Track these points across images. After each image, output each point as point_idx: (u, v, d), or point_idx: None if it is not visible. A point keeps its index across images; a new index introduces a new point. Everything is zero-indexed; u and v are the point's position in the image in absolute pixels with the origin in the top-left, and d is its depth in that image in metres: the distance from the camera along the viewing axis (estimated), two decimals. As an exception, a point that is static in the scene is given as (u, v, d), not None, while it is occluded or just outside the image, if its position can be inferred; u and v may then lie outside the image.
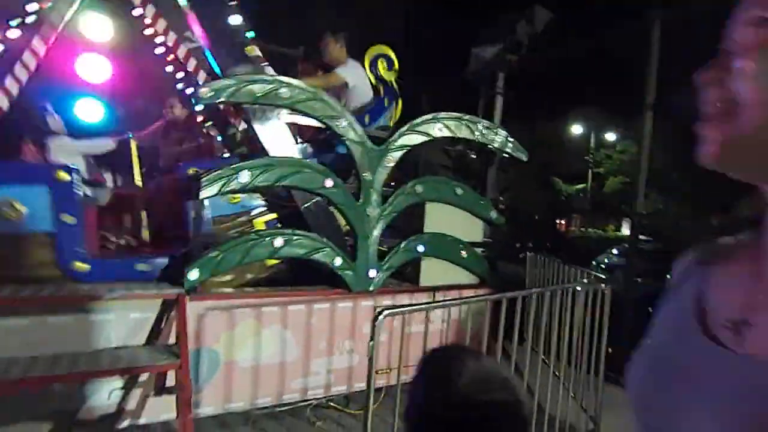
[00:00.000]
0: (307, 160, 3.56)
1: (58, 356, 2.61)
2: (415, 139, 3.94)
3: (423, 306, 2.78)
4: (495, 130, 4.32)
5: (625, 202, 22.84)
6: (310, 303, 3.53)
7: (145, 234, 3.93)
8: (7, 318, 2.63)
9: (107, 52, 3.88)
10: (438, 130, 4.03)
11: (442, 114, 4.04)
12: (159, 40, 3.96)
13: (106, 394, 2.83)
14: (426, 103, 4.85)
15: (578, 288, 3.46)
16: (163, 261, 3.31)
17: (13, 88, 3.15)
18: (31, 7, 3.03)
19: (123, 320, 2.91)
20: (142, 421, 2.94)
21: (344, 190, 3.60)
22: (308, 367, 3.55)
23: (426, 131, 3.97)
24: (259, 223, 3.58)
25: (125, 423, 2.90)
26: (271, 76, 3.26)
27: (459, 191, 4.23)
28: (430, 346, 2.60)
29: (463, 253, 4.29)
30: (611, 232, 19.78)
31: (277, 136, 3.51)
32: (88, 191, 3.53)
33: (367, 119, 4.31)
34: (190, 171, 3.47)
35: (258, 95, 3.18)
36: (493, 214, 4.54)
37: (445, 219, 4.21)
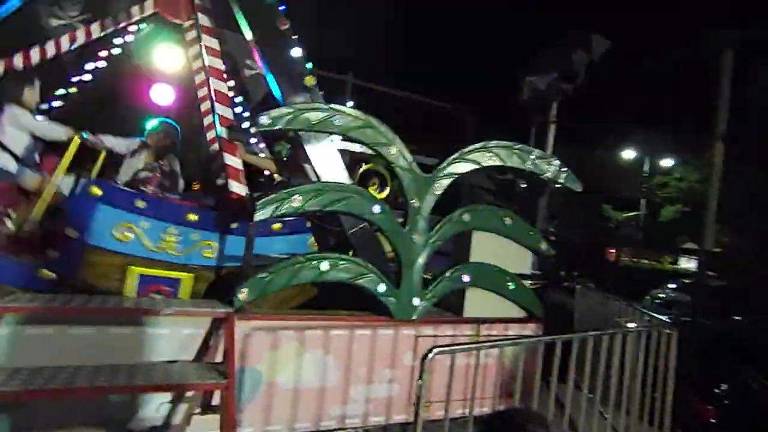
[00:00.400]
0: (357, 186, 3.60)
1: (116, 367, 2.74)
2: (464, 167, 3.92)
3: (474, 345, 2.72)
4: (548, 160, 4.21)
5: (681, 233, 21.57)
6: (352, 328, 3.53)
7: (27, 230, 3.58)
8: (76, 326, 2.79)
9: (174, 80, 4.14)
10: (488, 159, 3.98)
11: (493, 142, 4.00)
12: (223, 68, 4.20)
13: (155, 406, 2.93)
14: (475, 131, 4.81)
15: (640, 330, 3.26)
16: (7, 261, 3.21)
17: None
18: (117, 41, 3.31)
19: (176, 335, 3.03)
20: (186, 436, 3.01)
21: (391, 216, 3.61)
22: (347, 394, 3.53)
23: (475, 160, 3.94)
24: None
25: (171, 437, 2.98)
26: (326, 105, 3.36)
27: (508, 221, 4.14)
28: (478, 383, 2.52)
29: (510, 285, 4.17)
30: (666, 265, 18.67)
31: (328, 162, 3.59)
32: (9, 165, 3.56)
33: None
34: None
35: (313, 123, 3.28)
36: (543, 245, 4.40)
37: (492, 249, 4.12)
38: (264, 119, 3.12)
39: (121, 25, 4.02)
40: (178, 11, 4.06)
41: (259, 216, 3.13)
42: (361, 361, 3.57)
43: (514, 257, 4.27)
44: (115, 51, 4.39)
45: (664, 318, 4.06)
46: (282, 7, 3.46)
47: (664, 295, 12.17)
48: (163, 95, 4.18)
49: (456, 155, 3.86)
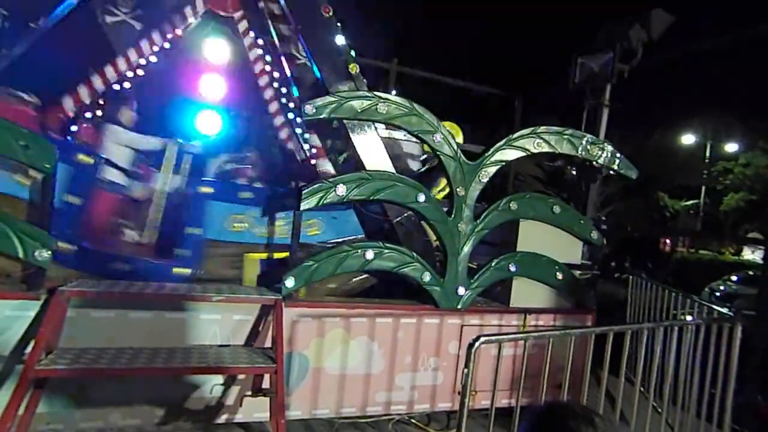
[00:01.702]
0: (401, 175, 3.56)
1: (173, 350, 2.87)
2: (512, 154, 3.79)
3: (521, 335, 2.64)
4: (601, 146, 4.01)
5: (746, 222, 20.08)
6: (398, 317, 3.53)
7: (149, 235, 3.90)
8: (134, 311, 2.94)
9: (224, 72, 4.23)
10: (536, 146, 3.83)
11: (542, 128, 3.84)
12: (267, 58, 4.25)
13: (209, 387, 3.05)
14: (526, 113, 4.64)
15: (699, 322, 3.07)
16: (147, 265, 3.39)
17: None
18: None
19: (228, 320, 3.13)
20: (238, 418, 3.13)
21: (436, 204, 3.56)
22: (392, 381, 3.54)
23: (523, 146, 3.80)
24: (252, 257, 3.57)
25: (223, 418, 3.10)
26: (371, 92, 3.33)
27: (557, 209, 3.98)
28: (524, 374, 2.45)
29: (559, 275, 4.03)
30: (729, 256, 17.47)
31: (372, 150, 3.57)
32: (119, 179, 3.77)
33: None
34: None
35: (358, 111, 3.27)
36: (594, 235, 4.21)
37: (540, 238, 3.99)
38: (309, 108, 3.14)
39: (178, 29, 4.14)
40: (226, 4, 4.12)
41: (305, 205, 3.16)
42: (407, 349, 3.57)
43: (563, 246, 4.11)
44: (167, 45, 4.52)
45: (724, 310, 3.80)
46: (325, -5, 3.44)
47: (724, 288, 11.44)
48: (214, 87, 4.27)
49: (503, 142, 3.74)
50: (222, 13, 4.38)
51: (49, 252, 2.80)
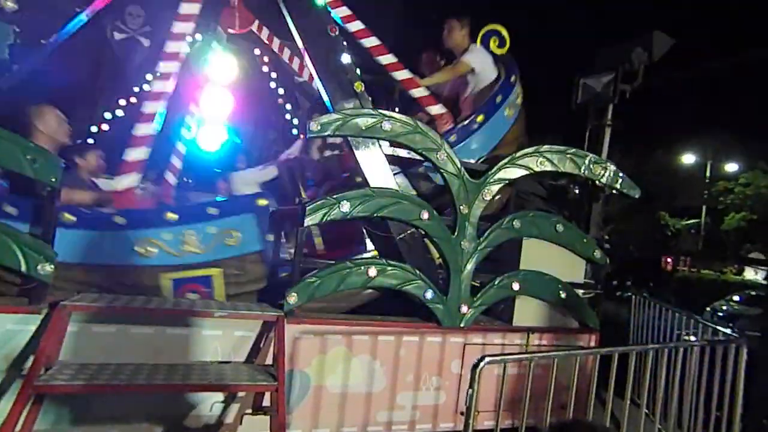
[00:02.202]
0: (405, 193, 3.58)
1: (173, 366, 2.84)
2: (515, 172, 3.81)
3: (526, 355, 2.62)
4: (603, 165, 4.03)
5: (747, 242, 20.04)
6: (400, 335, 3.50)
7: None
8: (135, 326, 2.92)
9: (232, 88, 4.28)
10: (539, 164, 3.85)
11: (545, 147, 3.87)
12: (273, 75, 4.31)
13: (209, 405, 3.01)
14: (529, 132, 4.69)
15: (705, 343, 3.05)
16: None
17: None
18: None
19: (229, 337, 3.11)
20: (237, 436, 3.08)
21: (440, 222, 3.56)
22: (394, 400, 3.50)
23: (527, 165, 3.82)
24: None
25: (223, 436, 3.05)
26: (375, 110, 3.37)
27: (560, 227, 3.99)
28: (529, 394, 2.43)
29: (562, 294, 4.01)
30: (730, 276, 17.40)
31: (376, 167, 3.59)
32: None
33: (498, 99, 4.32)
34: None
35: (362, 128, 3.30)
36: (597, 254, 4.21)
37: (543, 256, 3.99)
38: (314, 125, 3.16)
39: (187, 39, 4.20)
40: (233, 22, 4.19)
41: (309, 221, 3.17)
42: (409, 367, 3.53)
43: (566, 265, 4.11)
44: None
45: (728, 331, 3.77)
46: (332, 14, 3.50)
47: (727, 308, 11.34)
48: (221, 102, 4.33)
49: (506, 160, 3.77)
50: (230, 31, 4.47)
51: (52, 266, 2.79)
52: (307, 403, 3.26)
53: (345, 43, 3.50)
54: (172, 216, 3.23)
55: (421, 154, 3.54)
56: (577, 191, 4.87)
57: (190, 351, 3.01)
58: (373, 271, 3.36)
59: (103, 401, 2.82)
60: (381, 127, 3.34)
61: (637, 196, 4.23)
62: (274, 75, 4.57)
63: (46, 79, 3.76)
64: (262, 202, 3.42)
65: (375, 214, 3.37)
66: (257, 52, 4.46)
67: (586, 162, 3.96)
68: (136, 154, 3.80)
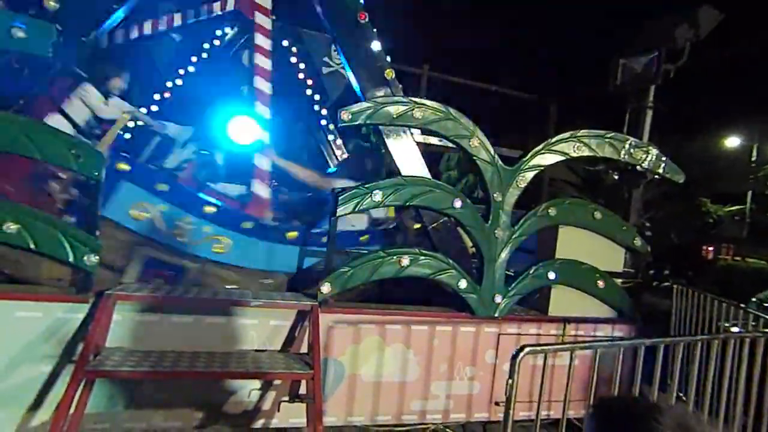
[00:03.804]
0: (437, 181, 3.53)
1: (212, 354, 2.92)
2: (550, 158, 3.70)
3: (568, 345, 2.55)
4: (645, 149, 3.86)
5: (797, 229, 18.87)
6: (433, 324, 3.48)
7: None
8: (176, 315, 3.01)
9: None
10: (576, 150, 3.72)
11: (582, 132, 3.74)
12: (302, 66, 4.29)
13: (247, 392, 3.08)
14: (561, 117, 4.53)
15: (758, 334, 2.89)
16: None
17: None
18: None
19: (264, 326, 3.16)
20: (274, 423, 3.14)
21: (473, 210, 3.50)
22: (428, 390, 3.49)
23: (563, 150, 3.70)
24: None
25: (260, 422, 3.13)
26: (406, 98, 3.32)
27: (598, 215, 3.86)
28: (570, 385, 2.35)
29: (600, 284, 3.89)
30: (779, 264, 16.47)
31: (408, 155, 3.55)
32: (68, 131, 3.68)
33: None
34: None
35: (394, 116, 3.26)
36: (638, 242, 4.06)
37: (580, 245, 3.87)
38: (345, 114, 3.15)
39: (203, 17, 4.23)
40: (248, 10, 4.17)
41: (341, 211, 3.17)
42: (442, 357, 3.51)
43: (604, 254, 3.98)
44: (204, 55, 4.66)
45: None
46: (361, 1, 3.45)
47: (775, 298, 10.78)
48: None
49: (541, 146, 3.66)
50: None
51: (97, 257, 2.90)
52: (341, 391, 3.29)
53: (374, 30, 3.44)
54: None
55: (453, 141, 3.48)
56: (616, 177, 4.68)
57: (227, 339, 3.09)
58: (405, 261, 3.34)
59: (147, 386, 2.93)
60: (412, 114, 3.30)
61: (681, 181, 4.04)
62: (302, 66, 4.57)
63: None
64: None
65: (407, 203, 3.34)
66: (285, 43, 4.46)
67: (627, 146, 3.80)
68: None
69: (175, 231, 3.47)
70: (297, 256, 3.79)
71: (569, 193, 4.30)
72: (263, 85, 4.01)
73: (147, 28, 4.22)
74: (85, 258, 2.86)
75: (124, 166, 3.39)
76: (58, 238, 2.82)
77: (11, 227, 2.73)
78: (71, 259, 2.85)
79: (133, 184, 3.39)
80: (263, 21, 4.11)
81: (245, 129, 4.14)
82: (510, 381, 2.22)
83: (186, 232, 3.49)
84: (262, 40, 4.07)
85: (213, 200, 3.67)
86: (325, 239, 3.53)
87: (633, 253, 4.18)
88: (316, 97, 4.94)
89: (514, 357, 2.24)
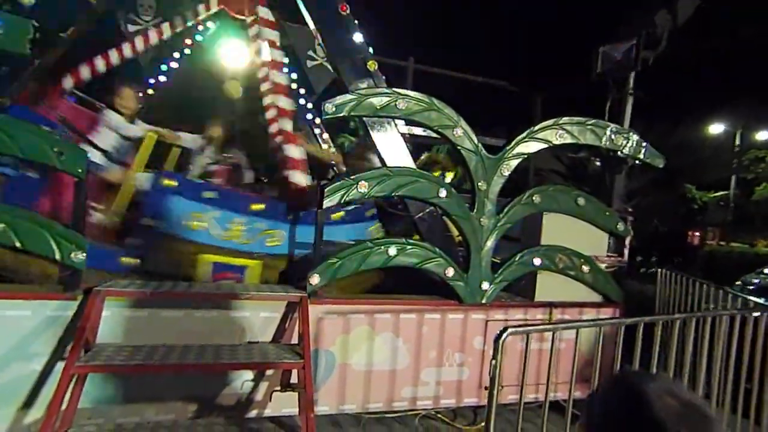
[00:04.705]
0: (422, 171, 3.57)
1: (203, 347, 2.95)
2: (534, 146, 3.76)
3: (550, 326, 2.62)
4: (626, 135, 3.94)
5: (780, 213, 19.27)
6: (422, 312, 3.54)
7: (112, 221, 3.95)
8: (165, 310, 3.03)
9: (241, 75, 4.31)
10: (559, 137, 3.79)
11: (564, 119, 3.80)
12: (286, 60, 4.30)
13: (239, 383, 3.12)
14: (545, 108, 4.59)
15: (735, 312, 2.99)
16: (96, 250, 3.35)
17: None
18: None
19: (255, 318, 3.20)
20: (267, 412, 3.18)
21: (458, 199, 3.55)
22: (418, 377, 3.55)
23: (545, 138, 3.76)
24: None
25: (254, 412, 3.17)
26: (390, 89, 3.35)
27: (581, 201, 3.93)
28: (553, 366, 2.42)
29: (585, 268, 3.98)
30: (761, 248, 16.85)
31: (393, 146, 3.59)
32: (103, 161, 3.93)
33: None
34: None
35: (377, 108, 3.29)
36: (620, 226, 4.14)
37: (564, 231, 3.94)
38: (329, 107, 3.17)
39: (189, 23, 4.26)
40: (242, 7, 4.20)
41: (327, 203, 3.20)
42: (432, 344, 3.57)
43: (588, 239, 4.06)
44: (186, 51, 4.65)
45: (761, 301, 3.66)
46: (342, -7, 3.47)
47: (758, 280, 11.02)
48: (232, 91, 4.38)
49: (524, 134, 3.71)
50: (236, 16, 4.47)
51: (84, 254, 2.90)
52: (333, 380, 3.34)
53: (356, 22, 3.46)
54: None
55: (437, 132, 3.52)
56: (598, 163, 4.76)
57: (218, 332, 3.11)
58: (393, 250, 3.39)
59: (139, 382, 2.95)
60: (396, 105, 3.33)
61: (661, 166, 4.12)
62: (286, 60, 4.58)
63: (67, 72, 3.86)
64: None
65: (393, 194, 3.38)
66: (266, 35, 4.45)
67: (608, 132, 3.87)
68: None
69: (230, 233, 3.61)
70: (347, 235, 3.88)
71: (555, 182, 4.35)
72: (281, 78, 4.07)
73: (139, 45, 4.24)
74: (72, 255, 2.86)
75: (170, 183, 3.53)
76: (44, 237, 2.82)
77: (-4, 226, 2.73)
78: (58, 257, 2.85)
79: (183, 197, 3.53)
80: (267, 14, 4.16)
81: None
82: (493, 362, 2.28)
83: (241, 232, 3.63)
84: (270, 33, 4.13)
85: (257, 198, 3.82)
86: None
87: (615, 238, 4.26)
88: (301, 90, 4.96)
89: (497, 338, 2.30)
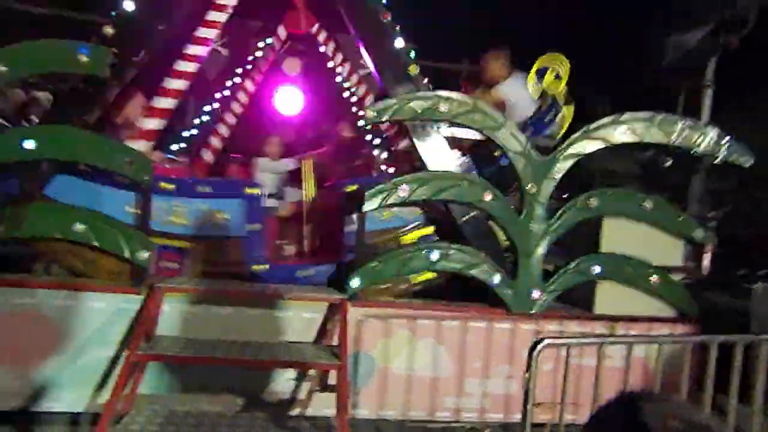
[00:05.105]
0: (466, 173, 3.49)
1: (247, 343, 3.10)
2: (590, 146, 3.50)
3: (593, 340, 2.40)
4: (701, 130, 3.52)
5: None
6: (465, 320, 3.42)
7: (308, 244, 4.42)
8: (217, 306, 3.24)
9: (299, 85, 4.54)
10: (619, 135, 3.49)
11: (626, 115, 3.49)
12: (338, 70, 4.46)
13: (282, 381, 3.23)
14: (606, 105, 4.25)
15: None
16: (319, 269, 3.74)
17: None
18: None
19: (298, 318, 3.30)
20: (308, 412, 3.26)
21: (504, 203, 3.41)
22: (462, 387, 3.43)
23: (603, 137, 3.49)
24: (408, 239, 3.64)
25: (295, 411, 3.26)
26: (431, 92, 3.32)
27: (648, 205, 3.57)
28: (606, 387, 2.21)
29: (654, 279, 3.60)
30: None
31: (435, 150, 3.55)
32: (272, 203, 4.15)
33: (529, 133, 4.05)
34: (350, 187, 3.76)
35: (419, 112, 3.27)
36: (699, 233, 3.70)
37: (628, 237, 3.61)
38: (370, 113, 3.21)
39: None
40: (299, 23, 4.42)
41: (368, 206, 3.23)
42: (477, 354, 3.43)
43: (658, 247, 3.67)
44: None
45: None
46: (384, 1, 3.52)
47: None
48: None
49: (579, 133, 3.48)
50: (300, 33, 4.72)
51: (149, 253, 3.20)
52: (373, 384, 3.33)
53: (398, 27, 3.49)
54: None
55: (482, 133, 3.41)
56: (667, 165, 4.30)
57: (264, 330, 3.26)
58: (435, 255, 3.33)
59: (191, 374, 3.18)
60: (437, 108, 3.28)
61: (748, 165, 3.62)
62: (339, 69, 4.74)
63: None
64: (251, 190, 3.63)
65: (435, 197, 3.33)
66: (323, 49, 4.66)
67: (678, 129, 3.49)
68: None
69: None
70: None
71: (629, 186, 3.98)
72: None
73: None
74: (138, 254, 3.17)
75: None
76: (116, 237, 3.17)
77: (79, 227, 3.12)
78: (127, 254, 3.17)
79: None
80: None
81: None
82: (527, 375, 2.14)
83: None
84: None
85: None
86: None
87: (693, 245, 3.81)
88: (354, 98, 5.09)
89: (532, 349, 2.16)
